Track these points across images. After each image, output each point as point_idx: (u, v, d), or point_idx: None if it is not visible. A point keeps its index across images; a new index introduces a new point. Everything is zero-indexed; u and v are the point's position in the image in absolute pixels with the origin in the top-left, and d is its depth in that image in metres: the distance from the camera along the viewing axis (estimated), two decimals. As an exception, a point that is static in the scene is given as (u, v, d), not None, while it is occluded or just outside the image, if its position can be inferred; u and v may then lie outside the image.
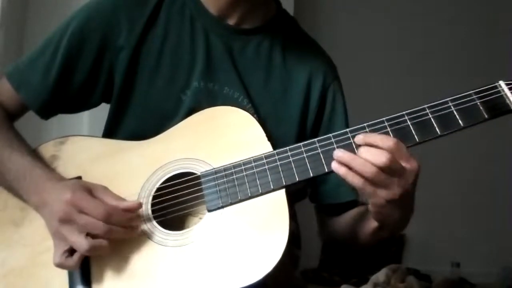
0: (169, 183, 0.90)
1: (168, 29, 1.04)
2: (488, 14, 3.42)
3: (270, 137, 0.91)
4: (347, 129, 0.86)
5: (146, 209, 0.89)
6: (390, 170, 0.78)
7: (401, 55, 3.41)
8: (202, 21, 1.05)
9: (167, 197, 0.90)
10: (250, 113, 0.95)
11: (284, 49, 1.08)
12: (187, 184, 0.90)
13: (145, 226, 0.88)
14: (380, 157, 0.78)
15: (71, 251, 0.84)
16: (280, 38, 1.09)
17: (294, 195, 0.92)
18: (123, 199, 0.88)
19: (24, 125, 1.09)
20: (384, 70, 3.36)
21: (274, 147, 0.89)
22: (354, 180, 0.80)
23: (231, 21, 1.06)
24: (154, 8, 1.04)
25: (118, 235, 0.84)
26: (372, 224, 0.90)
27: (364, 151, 0.80)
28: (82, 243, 0.82)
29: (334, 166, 0.81)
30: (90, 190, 0.86)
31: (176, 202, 0.89)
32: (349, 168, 0.80)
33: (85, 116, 1.51)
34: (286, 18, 1.14)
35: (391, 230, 0.90)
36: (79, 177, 0.93)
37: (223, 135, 0.92)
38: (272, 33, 1.09)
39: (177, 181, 0.90)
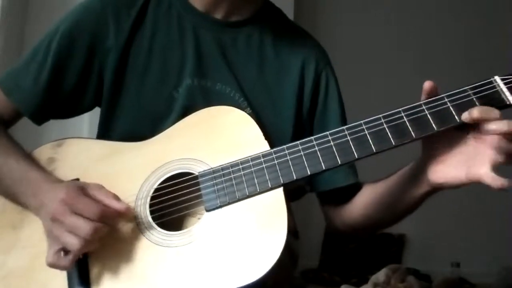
0: (167, 184, 0.90)
1: (156, 28, 1.04)
2: (489, 14, 3.42)
3: (265, 132, 0.91)
4: (344, 127, 0.86)
5: (144, 209, 0.89)
6: None
7: (401, 55, 3.41)
8: (189, 18, 1.06)
9: (165, 197, 0.89)
10: (242, 107, 0.94)
11: (274, 39, 1.09)
12: (185, 184, 0.89)
13: (144, 227, 0.88)
14: None
15: (66, 251, 0.83)
16: (270, 29, 1.09)
17: (292, 193, 0.91)
18: (116, 197, 0.87)
19: (24, 128, 1.09)
20: (384, 70, 3.36)
21: (272, 139, 0.89)
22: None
23: (218, 15, 1.07)
24: (141, 9, 1.04)
25: (104, 233, 0.84)
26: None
27: None
28: (73, 242, 0.82)
29: (465, 116, 0.80)
30: (83, 188, 0.86)
31: (174, 202, 0.89)
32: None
33: (85, 119, 1.50)
34: (272, 9, 1.15)
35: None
36: (77, 179, 0.93)
37: (220, 135, 0.92)
38: (261, 24, 1.09)
39: (175, 181, 0.90)
